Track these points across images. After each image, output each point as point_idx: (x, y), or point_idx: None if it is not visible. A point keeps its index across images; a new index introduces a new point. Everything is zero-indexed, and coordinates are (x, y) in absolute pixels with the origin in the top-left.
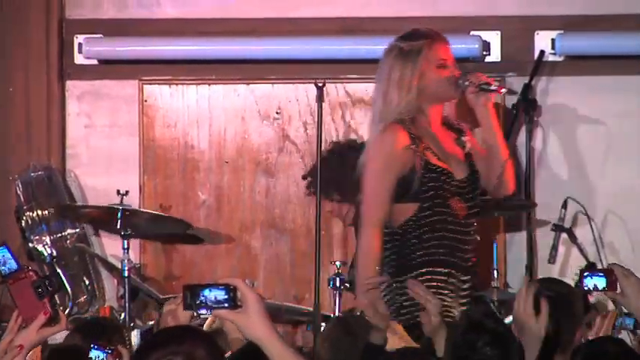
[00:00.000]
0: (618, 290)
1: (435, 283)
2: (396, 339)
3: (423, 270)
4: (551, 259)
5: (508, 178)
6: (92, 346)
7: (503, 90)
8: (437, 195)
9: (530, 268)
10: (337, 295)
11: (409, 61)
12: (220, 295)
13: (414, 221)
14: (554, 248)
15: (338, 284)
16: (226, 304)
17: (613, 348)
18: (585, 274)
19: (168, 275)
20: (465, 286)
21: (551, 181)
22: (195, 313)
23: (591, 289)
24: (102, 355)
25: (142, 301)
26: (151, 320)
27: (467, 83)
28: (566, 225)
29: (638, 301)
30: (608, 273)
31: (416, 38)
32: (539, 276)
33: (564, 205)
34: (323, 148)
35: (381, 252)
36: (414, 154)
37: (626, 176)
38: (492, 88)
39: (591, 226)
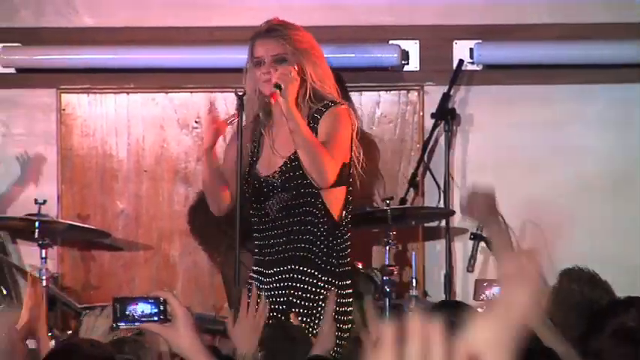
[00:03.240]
0: None
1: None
2: None
3: None
4: (470, 268)
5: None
6: None
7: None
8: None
9: (449, 277)
10: None
11: None
12: (150, 308)
13: None
14: (473, 257)
15: None
16: (156, 318)
17: None
18: None
19: (87, 285)
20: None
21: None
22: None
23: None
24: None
25: (60, 311)
26: (70, 330)
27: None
28: (485, 234)
29: None
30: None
31: None
32: (458, 286)
33: None
34: None
35: None
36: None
37: (542, 185)
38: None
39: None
